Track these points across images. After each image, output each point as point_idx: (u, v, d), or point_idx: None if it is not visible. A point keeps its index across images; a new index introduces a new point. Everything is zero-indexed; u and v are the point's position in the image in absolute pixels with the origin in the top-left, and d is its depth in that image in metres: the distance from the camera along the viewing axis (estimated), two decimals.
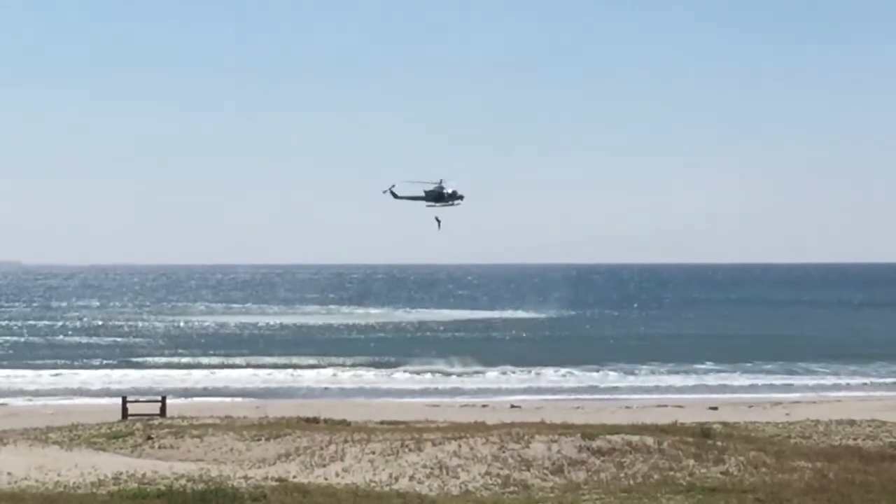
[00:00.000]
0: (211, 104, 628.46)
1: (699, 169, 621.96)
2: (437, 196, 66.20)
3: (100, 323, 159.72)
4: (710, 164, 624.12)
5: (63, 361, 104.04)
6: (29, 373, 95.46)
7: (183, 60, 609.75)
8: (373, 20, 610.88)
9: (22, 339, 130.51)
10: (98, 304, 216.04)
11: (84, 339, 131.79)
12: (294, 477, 34.84)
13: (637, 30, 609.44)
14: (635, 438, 38.48)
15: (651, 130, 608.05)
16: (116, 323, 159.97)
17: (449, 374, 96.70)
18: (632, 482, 34.79)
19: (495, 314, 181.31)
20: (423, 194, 66.63)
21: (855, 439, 45.18)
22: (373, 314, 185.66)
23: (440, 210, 66.18)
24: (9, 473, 34.35)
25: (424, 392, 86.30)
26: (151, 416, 51.59)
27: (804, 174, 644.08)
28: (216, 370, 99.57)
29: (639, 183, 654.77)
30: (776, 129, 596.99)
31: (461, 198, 66.41)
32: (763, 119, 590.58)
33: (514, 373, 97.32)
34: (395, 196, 66.82)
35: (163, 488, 32.37)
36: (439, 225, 65.80)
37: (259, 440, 40.47)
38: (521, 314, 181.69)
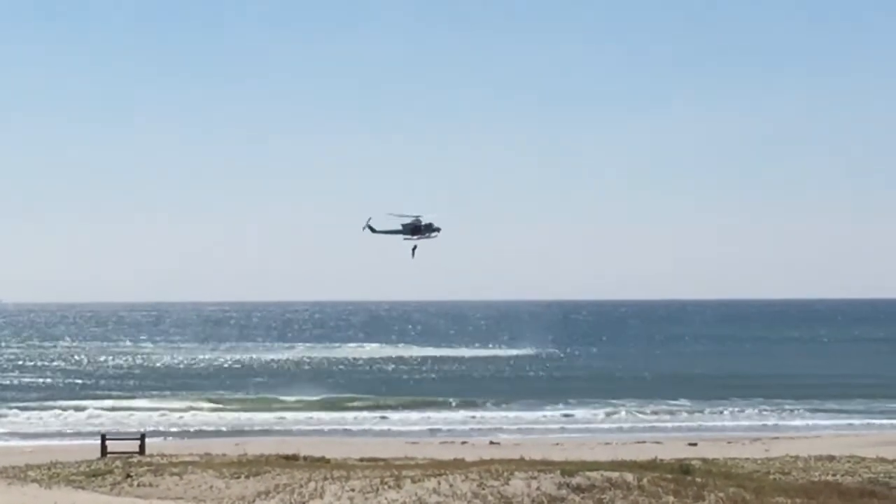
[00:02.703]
0: (193, 136, 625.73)
1: (676, 205, 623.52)
2: (415, 229, 66.68)
3: (77, 360, 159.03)
4: (687, 200, 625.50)
5: (40, 403, 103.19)
6: (6, 411, 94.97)
7: (178, 75, 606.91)
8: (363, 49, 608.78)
9: None
10: (76, 342, 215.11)
11: (61, 378, 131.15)
12: None
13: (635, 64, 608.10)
14: (615, 475, 38.52)
15: (627, 166, 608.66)
16: (94, 360, 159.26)
17: (428, 411, 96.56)
18: None
19: (472, 352, 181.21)
20: (400, 228, 67.02)
21: (834, 475, 45.34)
22: (348, 351, 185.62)
23: (417, 243, 66.61)
24: None
25: (403, 430, 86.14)
26: (131, 453, 51.46)
27: (778, 212, 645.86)
28: (195, 408, 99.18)
29: (612, 220, 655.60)
30: (757, 163, 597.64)
31: (438, 230, 66.91)
32: (745, 151, 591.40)
33: (492, 409, 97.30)
34: (372, 231, 67.14)
35: None
36: (413, 253, 66.30)
37: (238, 477, 40.40)
38: (497, 351, 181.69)
